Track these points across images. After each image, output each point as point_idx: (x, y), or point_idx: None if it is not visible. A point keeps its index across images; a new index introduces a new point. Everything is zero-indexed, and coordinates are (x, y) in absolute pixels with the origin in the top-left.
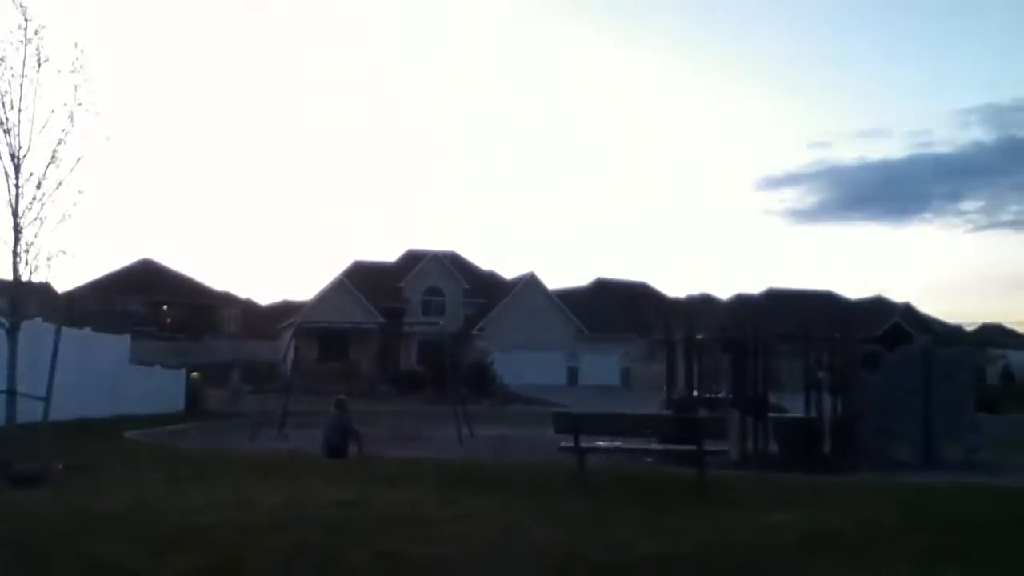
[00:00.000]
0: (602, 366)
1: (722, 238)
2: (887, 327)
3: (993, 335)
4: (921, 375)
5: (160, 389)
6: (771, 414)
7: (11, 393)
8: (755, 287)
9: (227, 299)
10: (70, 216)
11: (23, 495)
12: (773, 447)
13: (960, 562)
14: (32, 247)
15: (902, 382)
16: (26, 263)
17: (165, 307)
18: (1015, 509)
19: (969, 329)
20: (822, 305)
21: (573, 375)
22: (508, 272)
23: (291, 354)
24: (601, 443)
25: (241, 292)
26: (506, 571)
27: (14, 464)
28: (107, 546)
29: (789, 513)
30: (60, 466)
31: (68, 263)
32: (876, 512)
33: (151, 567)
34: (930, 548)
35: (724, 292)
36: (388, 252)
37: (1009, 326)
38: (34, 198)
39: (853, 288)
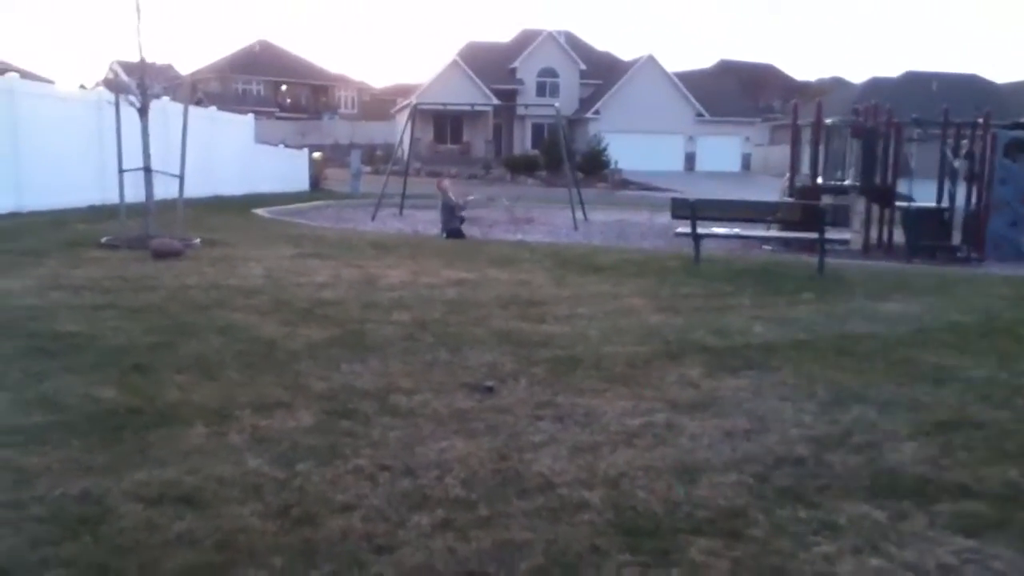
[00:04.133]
0: (721, 151)
1: (858, 16)
2: None
3: None
4: None
5: (284, 168)
6: (899, 203)
7: (147, 171)
8: (892, 71)
9: (342, 81)
10: None
11: (165, 267)
12: (899, 237)
13: None
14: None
15: None
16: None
17: (283, 88)
18: None
19: None
20: (964, 88)
21: (691, 160)
22: (625, 54)
23: (407, 136)
24: (718, 230)
25: (356, 74)
26: (617, 352)
27: (156, 237)
28: (244, 316)
29: (909, 304)
30: (198, 241)
31: (188, 43)
32: (1002, 305)
33: (285, 336)
34: None
35: (857, 76)
36: (503, 32)
37: None
38: None
39: (1000, 71)
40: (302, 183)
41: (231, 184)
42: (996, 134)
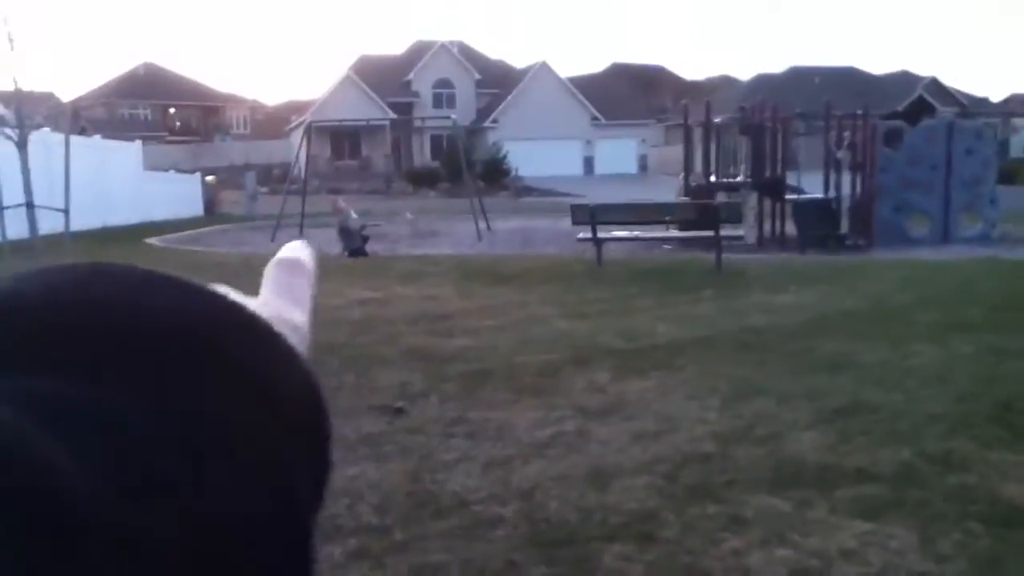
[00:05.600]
0: (619, 153)
1: (743, 15)
2: (911, 101)
3: (1021, 106)
4: (942, 150)
5: (177, 194)
6: (789, 196)
7: (29, 206)
8: (777, 66)
9: (234, 100)
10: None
11: None
12: (791, 229)
13: (972, 334)
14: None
15: (923, 157)
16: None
17: (172, 111)
18: None
19: (996, 100)
20: (846, 81)
21: (589, 164)
22: (519, 61)
23: (304, 154)
24: (619, 233)
25: (247, 93)
26: (527, 362)
27: None
28: None
29: (803, 294)
30: None
31: (69, 69)
32: (891, 290)
33: None
34: (943, 323)
35: (745, 73)
36: (395, 45)
37: None
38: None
39: (878, 63)
40: (196, 208)
41: (122, 213)
42: (876, 124)
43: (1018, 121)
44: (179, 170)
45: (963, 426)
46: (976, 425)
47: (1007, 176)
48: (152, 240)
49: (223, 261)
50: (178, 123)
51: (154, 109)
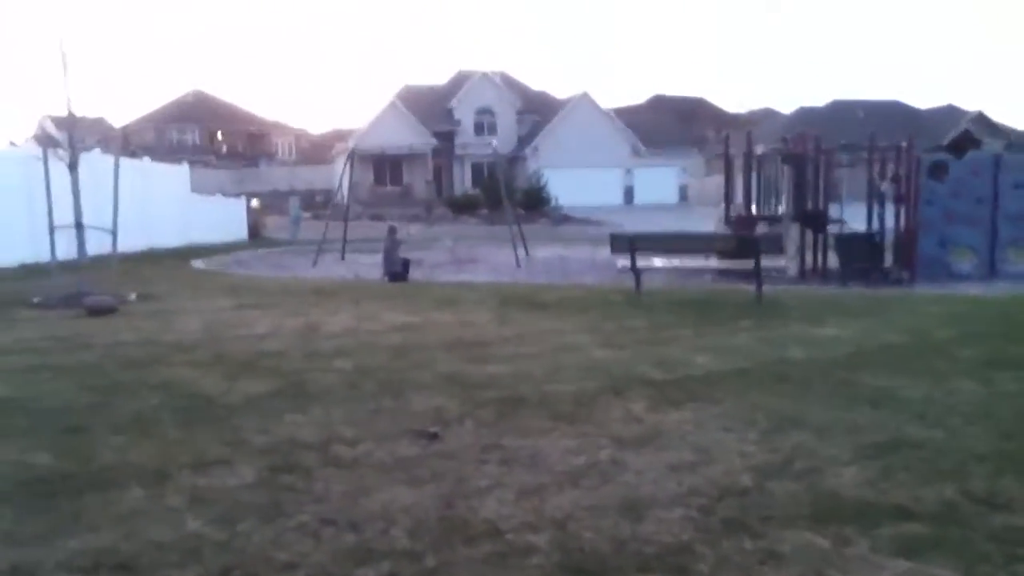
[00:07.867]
0: (659, 183)
1: (786, 48)
2: (956, 135)
3: None
4: (989, 183)
5: (222, 217)
6: (831, 228)
7: (78, 226)
8: (819, 100)
9: (279, 127)
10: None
11: (100, 324)
12: (834, 261)
13: (1016, 371)
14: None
15: (968, 191)
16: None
17: (219, 136)
18: None
19: None
20: (889, 114)
21: (629, 193)
22: (561, 92)
23: (346, 180)
24: (659, 262)
25: (293, 122)
26: (562, 390)
27: (90, 295)
28: (182, 371)
29: (844, 327)
30: (133, 296)
31: (120, 95)
32: (933, 325)
33: (224, 390)
34: (987, 359)
35: (787, 106)
36: (438, 75)
37: None
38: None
39: (923, 97)
40: (240, 232)
41: (167, 236)
42: (920, 157)
43: None
44: (225, 194)
45: (1009, 465)
46: (1022, 464)
47: None
48: (196, 262)
49: (263, 284)
50: (225, 148)
51: (202, 134)
